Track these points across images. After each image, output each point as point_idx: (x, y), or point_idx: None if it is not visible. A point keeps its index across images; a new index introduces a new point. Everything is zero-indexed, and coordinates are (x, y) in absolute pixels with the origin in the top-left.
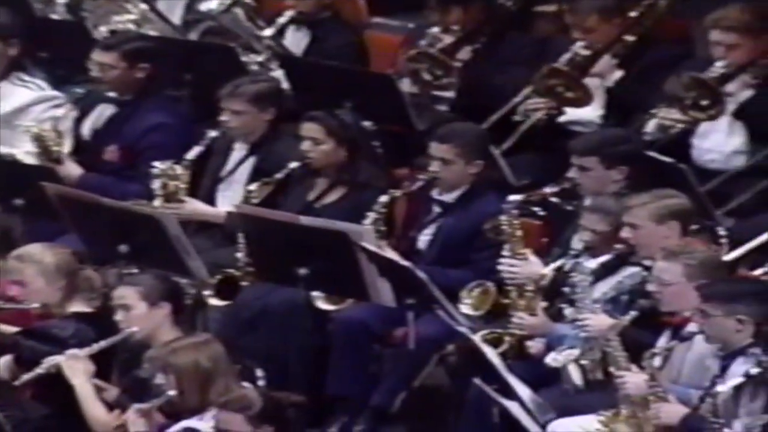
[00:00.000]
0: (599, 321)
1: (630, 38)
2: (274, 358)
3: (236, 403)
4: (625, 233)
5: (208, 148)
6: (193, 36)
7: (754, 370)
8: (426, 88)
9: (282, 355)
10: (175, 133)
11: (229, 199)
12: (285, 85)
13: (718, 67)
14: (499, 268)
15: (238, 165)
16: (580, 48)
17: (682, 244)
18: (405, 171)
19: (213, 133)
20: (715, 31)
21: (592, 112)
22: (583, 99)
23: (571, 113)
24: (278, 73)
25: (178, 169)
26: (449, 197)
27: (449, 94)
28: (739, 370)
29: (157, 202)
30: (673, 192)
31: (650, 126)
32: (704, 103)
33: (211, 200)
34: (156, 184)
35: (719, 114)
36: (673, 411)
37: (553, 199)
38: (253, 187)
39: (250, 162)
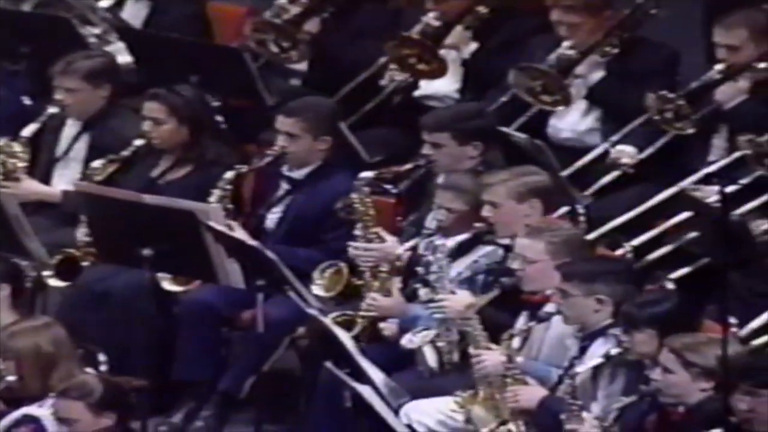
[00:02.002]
0: (457, 301)
1: (483, 10)
2: (117, 341)
3: (76, 390)
4: (485, 212)
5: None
6: (26, 7)
7: (615, 351)
8: (274, 59)
9: (126, 338)
10: (8, 107)
11: (66, 178)
12: (127, 58)
13: (564, 49)
14: (351, 247)
15: (72, 143)
16: (431, 18)
17: (544, 221)
18: (253, 147)
19: (52, 110)
20: (555, 11)
21: (448, 86)
22: (437, 70)
23: (426, 87)
24: (119, 46)
25: (17, 147)
26: (299, 174)
27: (301, 67)
28: (599, 350)
29: None
30: (533, 169)
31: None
32: (553, 89)
33: (48, 179)
34: None
35: (569, 100)
36: (531, 393)
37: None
38: (96, 164)
39: (85, 139)
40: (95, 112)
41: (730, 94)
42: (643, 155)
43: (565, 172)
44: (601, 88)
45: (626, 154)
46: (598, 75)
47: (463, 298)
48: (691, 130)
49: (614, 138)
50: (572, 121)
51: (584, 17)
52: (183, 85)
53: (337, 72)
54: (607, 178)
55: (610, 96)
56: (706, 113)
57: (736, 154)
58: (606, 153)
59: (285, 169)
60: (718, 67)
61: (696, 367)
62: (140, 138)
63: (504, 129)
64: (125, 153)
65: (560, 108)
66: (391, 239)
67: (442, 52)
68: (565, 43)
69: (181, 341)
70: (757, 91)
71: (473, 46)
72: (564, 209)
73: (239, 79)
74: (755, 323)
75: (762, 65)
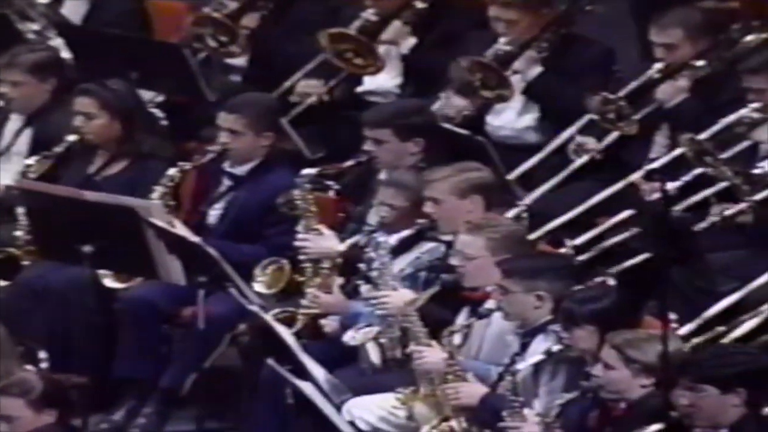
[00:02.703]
0: (398, 297)
1: (421, 5)
2: (58, 339)
3: (15, 387)
4: (427, 208)
5: None
6: None
7: (556, 348)
8: (214, 54)
9: (67, 335)
10: None
11: (9, 173)
12: (66, 54)
13: (501, 44)
14: (294, 244)
15: (15, 137)
16: (369, 14)
17: (486, 218)
18: (194, 144)
19: None
20: (493, 7)
21: (390, 82)
22: (374, 66)
23: (368, 83)
24: (58, 42)
25: None
26: (241, 170)
27: (241, 62)
28: (539, 347)
29: None
30: (475, 165)
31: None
32: (492, 84)
33: None
34: None
35: (508, 95)
36: (472, 391)
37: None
38: (31, 161)
39: (27, 134)
40: (39, 106)
41: (671, 92)
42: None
43: (515, 172)
44: (539, 84)
45: (589, 142)
46: (535, 71)
47: (404, 294)
48: (634, 131)
49: (558, 140)
50: (509, 118)
51: (521, 13)
52: (113, 79)
53: (277, 67)
54: (576, 164)
55: (548, 92)
56: (648, 113)
57: (676, 152)
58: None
59: (227, 166)
60: (657, 66)
61: (637, 363)
62: (73, 134)
63: (446, 125)
64: (58, 149)
65: (501, 103)
66: (330, 236)
67: (383, 47)
68: (502, 39)
69: (122, 338)
70: (697, 90)
71: (412, 41)
72: (514, 211)
73: (179, 75)
74: (695, 323)
75: (700, 63)
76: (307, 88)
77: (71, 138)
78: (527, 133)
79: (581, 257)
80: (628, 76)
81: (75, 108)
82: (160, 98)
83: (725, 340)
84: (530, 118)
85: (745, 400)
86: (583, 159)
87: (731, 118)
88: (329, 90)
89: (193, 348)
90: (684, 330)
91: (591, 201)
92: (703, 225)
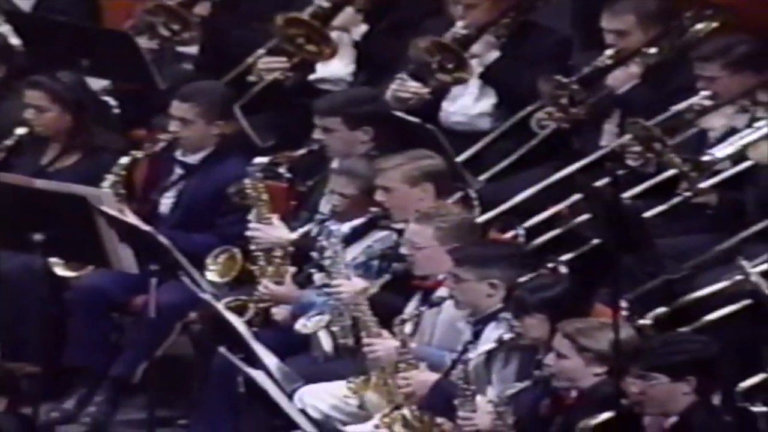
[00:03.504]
0: (351, 286)
1: None
2: (8, 327)
3: None
4: (378, 196)
5: None
6: None
7: (508, 336)
8: (165, 43)
9: (17, 324)
10: None
11: None
12: (15, 41)
13: (459, 28)
14: (246, 233)
15: None
16: (323, 1)
17: (436, 206)
18: (145, 132)
19: None
20: None
21: (342, 69)
22: (326, 52)
23: (321, 70)
24: (6, 29)
25: None
26: (192, 159)
27: (192, 50)
28: (491, 335)
29: None
30: (426, 153)
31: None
32: (450, 66)
33: None
34: None
35: (467, 77)
36: (423, 379)
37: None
38: None
39: None
40: None
41: (622, 79)
42: (535, 141)
43: (461, 157)
44: (496, 68)
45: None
46: (493, 56)
47: (356, 283)
48: (585, 116)
49: (509, 123)
50: (465, 104)
51: None
52: (63, 71)
53: (229, 55)
54: (505, 163)
55: (505, 77)
56: (599, 98)
57: (626, 138)
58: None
59: (178, 154)
60: (608, 52)
61: (589, 352)
62: (23, 126)
63: (397, 113)
64: (8, 142)
65: (458, 86)
66: (281, 225)
67: (335, 34)
68: (460, 23)
69: (73, 327)
70: (649, 77)
71: (364, 27)
72: (458, 195)
73: (130, 62)
74: (651, 315)
75: (652, 51)
76: (269, 64)
77: (20, 131)
78: (481, 120)
79: (533, 244)
80: (581, 64)
81: (26, 100)
82: (109, 86)
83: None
84: (486, 103)
85: (695, 388)
86: (547, 131)
87: (682, 105)
88: (292, 66)
89: (145, 336)
90: (641, 323)
91: (539, 186)
92: (659, 209)
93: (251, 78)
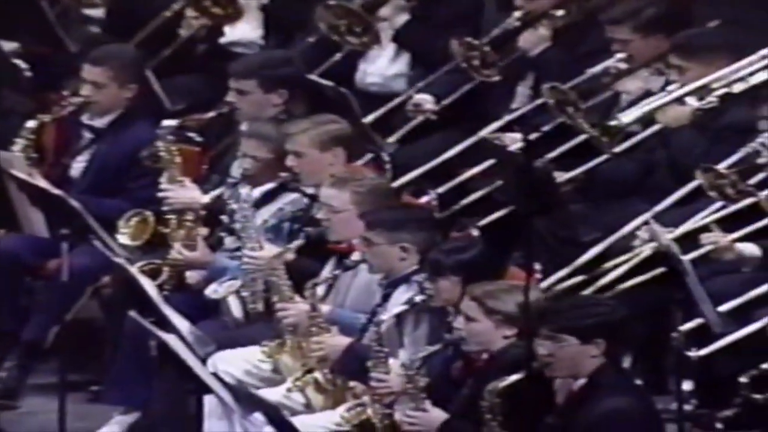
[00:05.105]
0: (265, 251)
1: None
2: None
3: None
4: (289, 161)
5: None
6: None
7: (419, 298)
8: (73, 3)
9: None
10: None
11: None
12: None
13: None
14: (158, 195)
15: None
16: None
17: (350, 170)
18: (55, 95)
19: None
20: None
21: (250, 32)
22: (233, 14)
23: (230, 34)
24: None
25: None
26: (101, 122)
27: (99, 13)
28: (401, 297)
29: None
30: (333, 117)
31: None
32: (357, 30)
33: None
34: None
35: (374, 41)
36: (335, 343)
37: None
38: None
39: None
40: None
41: (534, 41)
42: (447, 102)
43: (368, 118)
44: (407, 31)
45: (427, 101)
46: (403, 18)
47: (271, 249)
48: (497, 78)
49: (420, 84)
50: (381, 65)
51: None
52: None
53: (135, 17)
54: (411, 124)
55: (416, 40)
56: (512, 60)
57: (538, 101)
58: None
59: (85, 118)
60: (517, 14)
61: (498, 314)
62: None
63: (311, 77)
64: None
65: (372, 49)
66: (194, 188)
67: None
68: None
69: None
70: (559, 39)
71: None
72: (369, 156)
73: (38, 25)
74: (558, 274)
75: (560, 13)
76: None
77: None
78: (397, 81)
79: (446, 210)
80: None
81: None
82: (19, 49)
83: (589, 290)
84: (402, 64)
85: (604, 351)
86: (419, 119)
87: (597, 68)
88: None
89: (56, 300)
90: (551, 280)
91: (450, 152)
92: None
93: (181, 31)
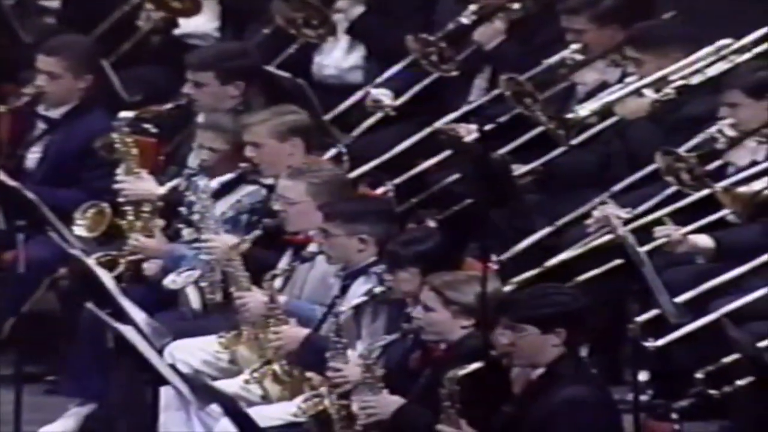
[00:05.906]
0: (221, 241)
1: None
2: None
3: None
4: (247, 152)
5: None
6: None
7: (378, 289)
8: None
9: None
10: None
11: None
12: None
13: None
14: (114, 187)
15: None
16: None
17: (307, 161)
18: (10, 86)
19: None
20: None
21: (206, 24)
22: (191, 8)
23: (185, 25)
24: None
25: None
26: (55, 113)
27: (55, 4)
28: (360, 289)
29: None
30: (292, 108)
31: None
32: (314, 22)
33: None
34: None
35: (330, 33)
36: (293, 334)
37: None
38: None
39: None
40: None
41: (489, 35)
42: (405, 97)
43: (328, 116)
44: (362, 23)
45: (385, 95)
46: (358, 10)
47: (228, 239)
48: (455, 73)
49: (379, 80)
50: (337, 57)
51: None
52: None
53: (91, 9)
54: (370, 120)
55: (370, 32)
56: (468, 54)
57: (495, 92)
58: (367, 95)
59: (41, 109)
60: (472, 7)
61: (456, 305)
62: None
63: (268, 68)
64: None
65: (327, 41)
66: (150, 179)
67: None
68: None
69: None
70: (515, 32)
71: None
72: (332, 152)
73: None
74: (506, 256)
75: (516, 6)
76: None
77: None
78: (353, 73)
79: (404, 201)
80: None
81: None
82: None
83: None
84: (357, 56)
85: (565, 341)
86: (377, 115)
87: (553, 59)
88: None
89: (12, 292)
90: (497, 265)
91: (407, 143)
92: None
93: (140, 22)
